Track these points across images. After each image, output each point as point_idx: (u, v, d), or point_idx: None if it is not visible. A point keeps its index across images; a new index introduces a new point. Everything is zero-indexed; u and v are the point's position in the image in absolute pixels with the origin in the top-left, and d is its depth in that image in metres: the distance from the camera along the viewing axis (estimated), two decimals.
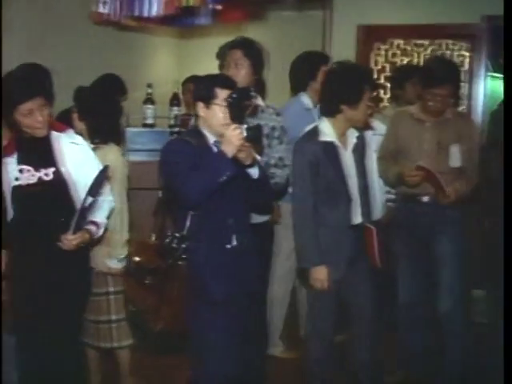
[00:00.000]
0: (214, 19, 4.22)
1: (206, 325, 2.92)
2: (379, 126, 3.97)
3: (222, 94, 2.86)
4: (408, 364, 4.05)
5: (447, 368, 3.88)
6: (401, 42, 5.21)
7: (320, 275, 3.28)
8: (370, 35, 5.19)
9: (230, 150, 2.74)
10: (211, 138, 2.93)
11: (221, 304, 2.90)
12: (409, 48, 5.20)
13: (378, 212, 3.80)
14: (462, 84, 5.04)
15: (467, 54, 5.09)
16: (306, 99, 4.20)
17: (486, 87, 5.54)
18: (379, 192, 3.91)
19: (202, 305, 2.91)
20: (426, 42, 5.17)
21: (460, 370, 3.87)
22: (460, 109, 5.01)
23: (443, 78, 3.62)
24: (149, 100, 4.99)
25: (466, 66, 5.11)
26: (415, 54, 5.17)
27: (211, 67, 3.92)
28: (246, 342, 3.11)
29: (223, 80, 2.97)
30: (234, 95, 2.84)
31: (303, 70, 4.23)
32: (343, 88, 3.22)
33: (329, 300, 3.37)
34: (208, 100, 2.89)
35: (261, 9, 5.41)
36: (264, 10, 5.56)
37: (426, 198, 3.74)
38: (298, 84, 4.25)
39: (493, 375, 3.93)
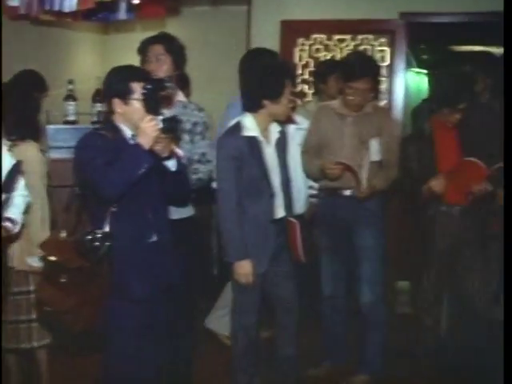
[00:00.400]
0: (133, 14, 4.18)
1: (124, 323, 2.88)
2: (302, 121, 4.00)
3: (138, 87, 2.82)
4: (332, 356, 4.12)
5: (368, 359, 3.96)
6: (324, 37, 5.26)
7: (244, 269, 3.30)
8: (294, 31, 5.22)
9: (146, 142, 2.71)
10: (128, 132, 2.87)
11: (141, 301, 2.87)
12: (331, 43, 5.26)
13: (301, 206, 3.84)
14: (383, 79, 5.13)
15: (387, 49, 5.17)
16: None
17: (408, 82, 5.66)
18: (302, 186, 3.95)
19: (121, 302, 2.86)
20: (348, 38, 5.24)
21: (381, 361, 3.97)
22: (382, 103, 5.10)
23: (362, 72, 3.68)
24: (70, 96, 4.88)
25: (387, 61, 5.18)
26: (338, 49, 5.23)
27: (135, 63, 3.88)
28: (167, 338, 3.10)
29: (137, 73, 2.90)
30: (149, 86, 2.81)
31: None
32: (264, 83, 3.24)
33: (253, 294, 3.39)
34: (124, 96, 2.83)
35: (183, 4, 5.39)
36: (187, 5, 5.54)
37: (347, 192, 3.79)
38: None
39: (418, 362, 4.06)
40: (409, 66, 8.06)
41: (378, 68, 4.01)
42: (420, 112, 4.35)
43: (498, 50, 9.69)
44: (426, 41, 7.95)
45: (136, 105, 2.81)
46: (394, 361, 4.08)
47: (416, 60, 10.21)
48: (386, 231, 3.95)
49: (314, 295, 4.08)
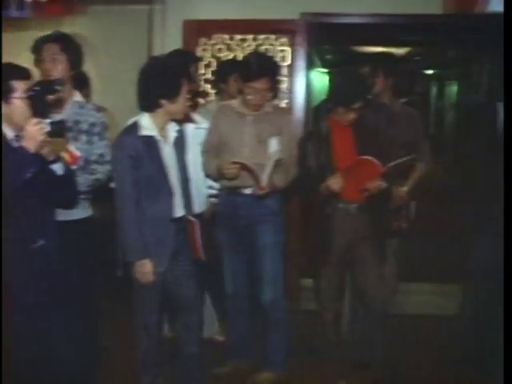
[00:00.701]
0: (28, 12, 4.07)
1: (18, 327, 2.83)
2: (202, 120, 4.01)
3: (20, 85, 2.76)
4: (237, 354, 4.16)
5: (272, 356, 4.01)
6: (226, 37, 5.28)
7: (144, 269, 3.29)
8: (196, 30, 5.20)
9: (31, 146, 2.66)
10: (10, 133, 2.81)
11: (31, 306, 2.82)
12: (234, 43, 5.27)
13: (200, 205, 3.85)
14: (284, 78, 5.19)
15: (288, 49, 5.23)
16: None
17: (312, 82, 5.74)
18: (202, 185, 3.96)
19: (12, 308, 2.81)
20: (250, 37, 5.27)
21: (284, 358, 4.02)
22: (283, 102, 5.17)
23: (260, 72, 3.72)
24: None
25: (288, 61, 5.24)
26: (240, 49, 5.25)
27: (29, 62, 3.80)
28: (66, 341, 3.06)
29: (17, 71, 2.85)
30: (36, 88, 2.76)
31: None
32: (161, 83, 3.24)
33: (154, 293, 3.39)
34: (5, 95, 2.76)
35: (84, 3, 5.29)
36: (87, 3, 5.45)
37: (247, 191, 3.83)
38: None
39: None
40: (313, 65, 8.20)
41: (277, 68, 4.06)
42: (318, 111, 4.42)
43: (399, 51, 10.03)
44: (330, 41, 8.11)
45: (18, 104, 2.75)
46: (299, 357, 4.15)
47: (320, 60, 10.44)
48: (286, 229, 4.01)
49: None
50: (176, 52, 4.28)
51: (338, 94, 3.76)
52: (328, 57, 10.35)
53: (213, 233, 3.90)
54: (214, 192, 4.05)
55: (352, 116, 3.74)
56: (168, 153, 3.35)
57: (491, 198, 4.08)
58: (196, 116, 3.99)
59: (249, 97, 3.79)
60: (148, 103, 3.30)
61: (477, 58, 9.58)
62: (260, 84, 3.74)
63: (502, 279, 2.63)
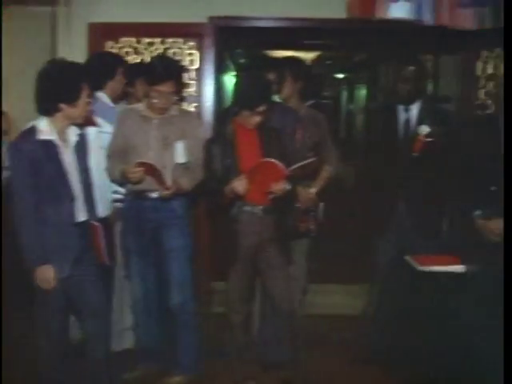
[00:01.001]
0: None
1: None
2: (105, 124, 3.97)
3: None
4: (147, 358, 4.13)
5: (182, 359, 4.02)
6: (133, 40, 5.23)
7: (45, 274, 3.25)
8: (102, 33, 5.13)
9: None
10: None
11: None
12: (141, 46, 5.23)
13: (104, 209, 3.81)
14: (193, 82, 5.19)
15: (197, 52, 5.22)
16: (105, 98, 4.23)
17: (221, 85, 5.74)
18: (106, 189, 3.93)
19: None
20: (158, 41, 5.24)
21: (194, 361, 4.02)
22: (192, 106, 5.16)
23: (165, 75, 3.74)
24: None
25: (196, 65, 5.24)
26: (147, 53, 5.21)
27: None
28: None
29: None
30: None
31: (101, 70, 4.21)
32: (60, 87, 3.20)
33: (57, 299, 3.33)
34: None
35: None
36: None
37: (153, 194, 3.82)
38: (96, 83, 4.21)
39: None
40: (225, 69, 8.23)
41: (182, 71, 4.05)
42: (225, 114, 4.44)
43: (309, 55, 10.20)
44: (240, 45, 8.16)
45: None
46: (210, 359, 4.17)
47: (234, 64, 10.51)
48: (196, 232, 4.01)
49: None
50: (101, 54, 4.24)
51: (242, 97, 3.78)
52: (241, 61, 10.43)
53: (117, 236, 3.87)
54: (119, 197, 4.01)
55: (257, 119, 3.76)
56: (68, 157, 3.31)
57: (392, 200, 4.22)
58: (99, 120, 3.94)
59: (154, 100, 3.79)
60: (47, 107, 3.25)
61: (383, 61, 9.85)
62: (165, 87, 3.74)
63: (501, 279, 2.68)
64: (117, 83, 4.30)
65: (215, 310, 5.03)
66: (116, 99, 4.31)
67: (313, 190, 4.43)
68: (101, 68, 4.23)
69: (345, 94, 15.60)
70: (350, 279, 5.69)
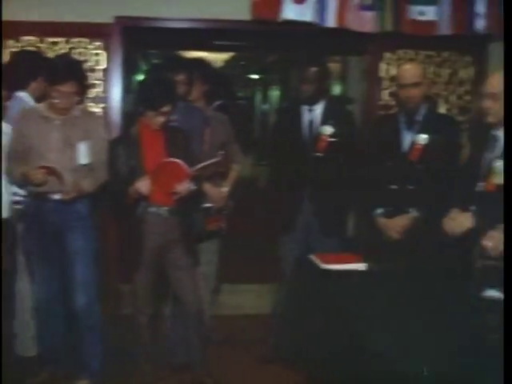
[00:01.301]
0: None
1: None
2: (5, 126, 3.88)
3: None
4: (51, 362, 4.05)
5: (87, 362, 3.98)
6: (36, 39, 5.10)
7: None
8: (1, 32, 4.99)
9: None
10: None
11: None
12: (45, 46, 5.10)
13: (3, 211, 3.72)
14: (99, 82, 5.11)
15: (104, 52, 5.15)
16: (27, 97, 4.15)
17: (130, 86, 5.67)
18: (4, 191, 3.83)
19: None
20: (62, 41, 5.13)
21: (100, 363, 3.98)
22: (99, 106, 5.09)
23: (66, 75, 3.68)
24: None
25: (103, 65, 5.16)
26: (51, 52, 5.08)
27: None
28: None
29: None
30: None
31: (24, 70, 4.14)
32: None
33: None
34: None
35: None
36: None
37: (56, 196, 3.75)
38: (17, 83, 4.15)
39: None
40: (138, 70, 8.14)
41: (82, 71, 3.99)
42: (130, 115, 4.40)
43: (221, 57, 10.23)
44: (149, 46, 8.08)
45: None
46: (117, 362, 4.13)
47: (146, 64, 10.43)
48: (102, 234, 3.96)
49: None
50: (22, 52, 4.13)
51: (146, 97, 3.77)
52: (155, 61, 10.37)
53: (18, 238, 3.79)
54: (19, 198, 3.93)
55: (161, 119, 3.75)
56: None
57: (298, 199, 4.28)
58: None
59: (55, 100, 3.72)
60: None
61: (292, 63, 9.99)
62: (66, 87, 3.69)
63: (502, 279, 2.70)
64: (39, 83, 4.16)
65: (123, 311, 4.97)
66: (39, 99, 4.15)
67: (224, 189, 4.44)
68: (22, 68, 4.15)
69: (259, 95, 15.70)
70: (261, 279, 5.73)
